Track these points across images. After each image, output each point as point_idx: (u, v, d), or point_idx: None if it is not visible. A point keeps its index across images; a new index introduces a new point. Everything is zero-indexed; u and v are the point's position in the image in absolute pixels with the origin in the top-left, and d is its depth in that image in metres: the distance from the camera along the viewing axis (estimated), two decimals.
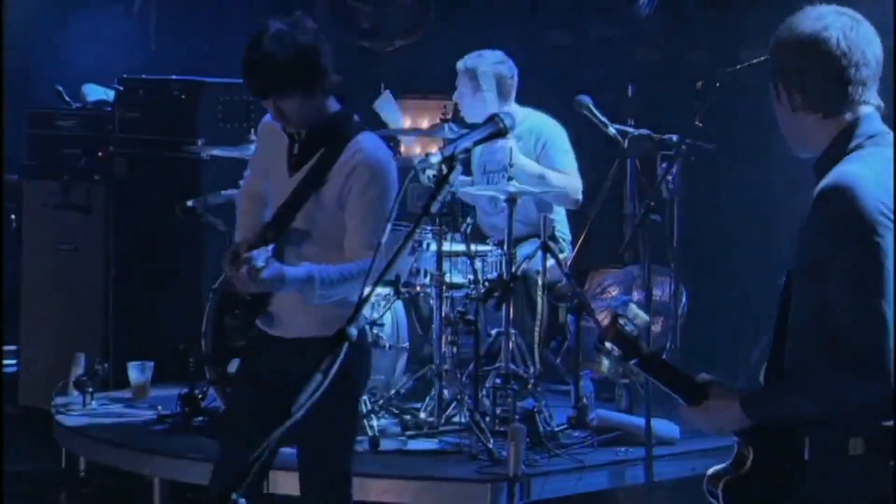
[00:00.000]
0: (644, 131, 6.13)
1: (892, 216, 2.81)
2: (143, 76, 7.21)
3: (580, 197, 6.36)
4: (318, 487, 4.12)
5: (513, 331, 5.89)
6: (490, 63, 6.42)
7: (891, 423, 2.86)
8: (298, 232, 3.97)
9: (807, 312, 2.88)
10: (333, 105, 4.04)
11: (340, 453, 4.14)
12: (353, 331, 2.78)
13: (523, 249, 6.21)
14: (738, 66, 6.04)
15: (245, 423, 4.06)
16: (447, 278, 5.84)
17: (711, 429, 3.01)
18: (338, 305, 3.91)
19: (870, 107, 2.93)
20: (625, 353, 3.08)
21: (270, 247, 3.83)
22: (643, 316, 5.37)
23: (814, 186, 2.92)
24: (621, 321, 3.08)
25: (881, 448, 2.87)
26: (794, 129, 2.99)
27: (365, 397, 5.68)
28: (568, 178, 6.33)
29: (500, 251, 6.04)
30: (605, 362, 6.16)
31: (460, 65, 6.46)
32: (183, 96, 7.00)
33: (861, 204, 2.78)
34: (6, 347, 7.14)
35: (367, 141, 4.00)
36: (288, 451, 5.46)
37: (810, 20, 2.92)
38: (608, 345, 3.08)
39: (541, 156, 6.37)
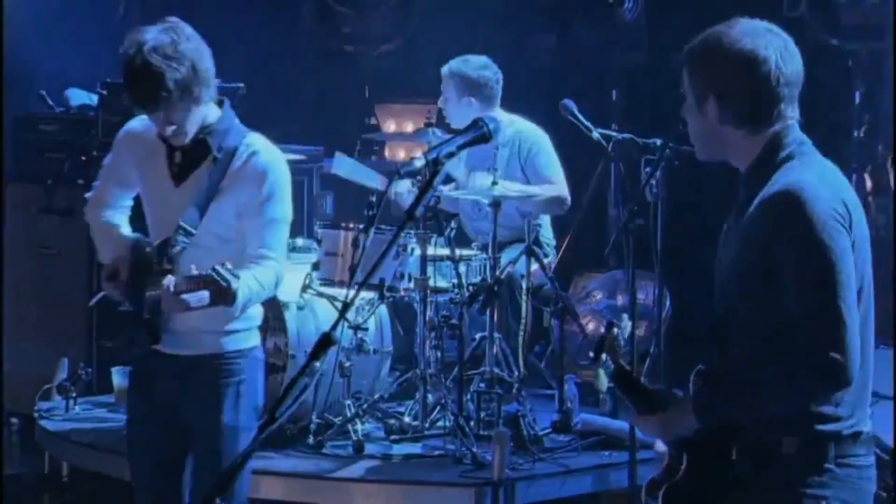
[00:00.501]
0: (628, 136, 6.13)
1: (844, 220, 2.85)
2: None
3: (568, 202, 6.37)
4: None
5: (497, 335, 5.90)
6: (475, 68, 6.41)
7: (828, 427, 2.90)
8: (195, 246, 3.85)
9: (759, 316, 2.90)
10: (215, 111, 3.93)
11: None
12: (337, 334, 2.78)
13: (508, 254, 6.22)
14: None
15: (148, 446, 4.01)
16: (431, 282, 5.84)
17: (667, 437, 3.03)
18: (237, 321, 3.89)
19: (792, 119, 2.98)
20: (612, 363, 3.11)
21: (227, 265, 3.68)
22: (629, 326, 5.40)
23: (746, 195, 2.96)
24: (615, 331, 3.10)
25: (817, 449, 2.90)
26: (714, 139, 3.00)
27: (349, 402, 5.69)
28: (554, 186, 6.34)
29: (484, 255, 6.04)
30: (602, 376, 6.13)
31: (445, 70, 6.45)
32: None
33: (814, 209, 2.82)
34: None
35: (258, 144, 3.91)
36: (275, 456, 5.50)
37: (748, 37, 2.93)
38: (604, 356, 3.09)
39: (525, 163, 6.37)
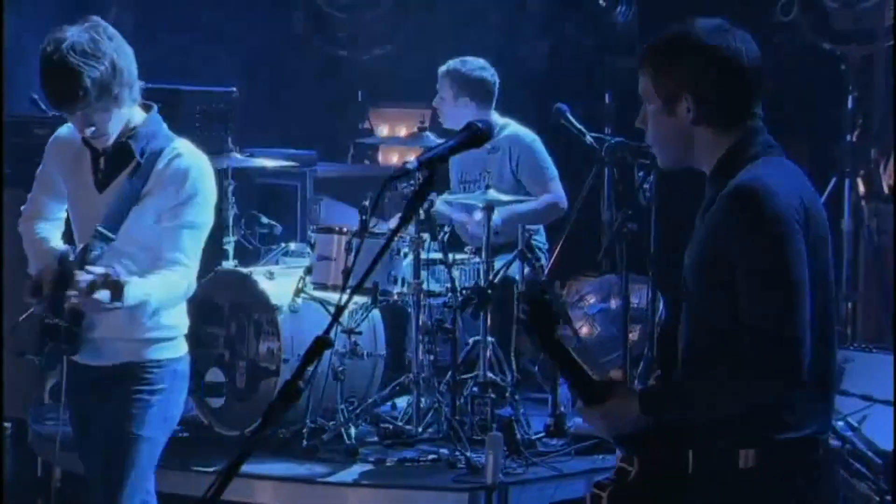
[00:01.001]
0: (621, 139, 6.14)
1: (800, 218, 2.82)
2: None
3: (564, 204, 6.37)
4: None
5: (490, 339, 5.89)
6: (472, 68, 6.43)
7: (789, 435, 2.83)
8: (116, 251, 3.78)
9: (713, 311, 2.84)
10: (140, 114, 3.85)
11: (143, 473, 3.95)
12: (333, 337, 2.77)
13: (501, 258, 6.21)
14: None
15: (82, 451, 4.03)
16: (425, 287, 5.84)
17: (609, 430, 2.94)
18: (153, 329, 3.84)
19: (758, 118, 2.96)
20: (538, 328, 2.97)
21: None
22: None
23: (712, 193, 2.92)
24: (547, 297, 2.96)
25: (775, 462, 2.83)
26: (683, 142, 2.95)
27: (342, 406, 5.68)
28: (549, 194, 6.33)
29: (477, 260, 6.04)
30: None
31: (442, 69, 6.46)
32: (160, 104, 6.96)
33: (774, 206, 2.79)
34: None
35: (183, 148, 3.85)
36: (269, 460, 5.48)
37: (715, 32, 2.90)
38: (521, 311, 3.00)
39: (518, 167, 6.37)
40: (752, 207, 2.80)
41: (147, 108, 3.88)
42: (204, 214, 3.84)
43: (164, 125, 3.90)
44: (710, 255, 2.87)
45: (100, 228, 3.77)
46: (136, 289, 3.68)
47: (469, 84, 6.37)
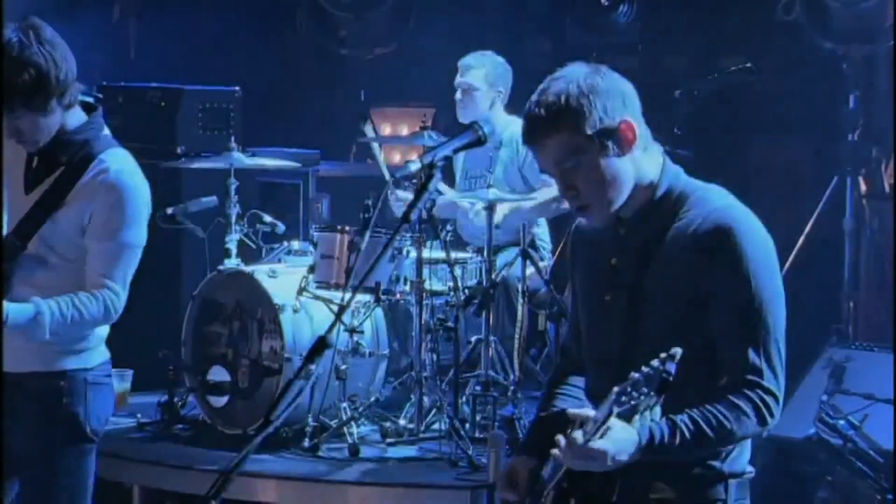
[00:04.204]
0: None
1: None
2: (123, 83, 7.19)
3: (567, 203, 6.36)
4: None
5: (493, 338, 5.89)
6: (491, 63, 6.49)
7: (706, 470, 2.83)
8: (31, 258, 3.57)
9: (689, 343, 2.69)
10: (78, 117, 3.62)
11: (66, 500, 3.70)
12: (333, 337, 2.77)
13: (503, 257, 6.22)
14: (716, 74, 6.07)
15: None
16: (427, 285, 5.84)
17: (603, 467, 2.75)
18: (69, 340, 3.60)
19: None
20: None
21: None
22: None
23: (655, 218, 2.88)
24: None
25: (689, 491, 2.83)
26: (627, 173, 2.87)
27: (345, 404, 5.68)
28: (553, 189, 6.34)
29: (479, 258, 6.04)
30: None
31: (474, 58, 6.53)
32: (163, 103, 6.97)
33: (766, 240, 2.83)
34: None
35: (114, 160, 3.59)
36: (271, 459, 5.50)
37: (600, 72, 2.99)
38: None
39: (524, 164, 6.38)
40: (744, 243, 2.83)
41: (91, 110, 3.68)
42: (136, 234, 3.61)
43: (105, 131, 3.68)
44: (695, 286, 2.84)
45: (11, 233, 3.57)
46: (20, 314, 3.43)
47: (506, 76, 6.47)
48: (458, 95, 6.52)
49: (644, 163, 2.91)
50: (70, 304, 3.52)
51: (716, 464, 2.85)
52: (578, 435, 2.69)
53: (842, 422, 5.36)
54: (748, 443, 2.91)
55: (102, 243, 3.57)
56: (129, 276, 3.64)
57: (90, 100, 3.76)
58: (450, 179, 6.70)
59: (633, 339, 2.87)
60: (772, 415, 2.80)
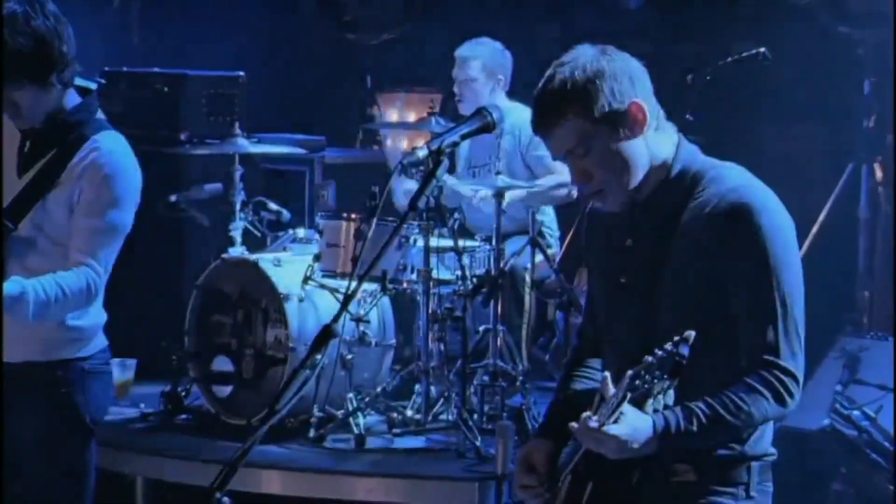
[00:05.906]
0: None
1: None
2: (126, 69, 7.14)
3: (573, 189, 6.31)
4: None
5: (501, 327, 5.85)
6: (488, 51, 6.45)
7: (728, 452, 2.81)
8: (22, 241, 3.57)
9: (707, 324, 2.69)
10: (73, 98, 3.64)
11: (67, 491, 3.69)
12: (339, 326, 2.71)
13: (511, 245, 6.16)
14: (729, 60, 5.99)
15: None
16: (434, 274, 5.78)
17: (621, 453, 2.71)
18: (58, 329, 3.58)
19: None
20: None
21: None
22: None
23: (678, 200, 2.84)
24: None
25: (713, 477, 2.81)
26: (641, 156, 2.84)
27: (350, 395, 5.64)
28: (556, 176, 6.28)
29: (487, 247, 5.99)
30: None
31: (470, 47, 6.50)
32: (166, 89, 6.93)
33: (785, 219, 2.78)
34: None
35: (106, 141, 3.60)
36: (276, 450, 5.45)
37: (606, 54, 2.89)
38: None
39: (527, 152, 6.35)
40: (765, 223, 2.79)
41: (85, 93, 3.67)
42: (121, 217, 3.59)
43: (98, 113, 3.69)
44: (714, 270, 2.82)
45: (2, 216, 3.56)
46: (6, 293, 3.39)
47: (503, 63, 6.43)
48: (456, 88, 6.48)
49: (657, 142, 2.87)
50: (54, 284, 3.48)
51: (737, 446, 2.83)
52: (593, 420, 2.66)
53: (856, 412, 5.31)
54: (770, 424, 2.88)
55: (88, 220, 3.54)
56: (111, 260, 3.61)
57: (92, 85, 3.77)
58: (450, 168, 6.64)
59: (649, 320, 2.84)
60: (791, 395, 2.75)
